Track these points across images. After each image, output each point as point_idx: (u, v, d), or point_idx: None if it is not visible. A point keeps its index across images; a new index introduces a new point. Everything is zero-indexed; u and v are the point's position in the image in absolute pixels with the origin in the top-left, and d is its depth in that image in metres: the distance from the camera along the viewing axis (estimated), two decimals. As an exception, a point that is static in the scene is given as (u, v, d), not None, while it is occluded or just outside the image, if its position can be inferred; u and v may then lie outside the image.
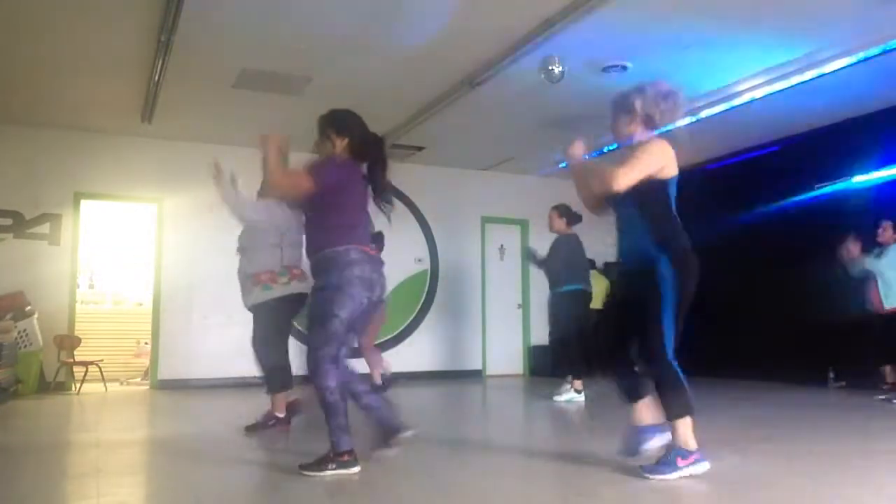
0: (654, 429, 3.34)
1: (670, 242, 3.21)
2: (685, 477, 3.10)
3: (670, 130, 3.33)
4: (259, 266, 4.63)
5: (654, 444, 3.33)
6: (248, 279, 4.68)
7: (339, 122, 3.58)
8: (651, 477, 3.12)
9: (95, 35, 5.65)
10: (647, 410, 3.35)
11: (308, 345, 3.39)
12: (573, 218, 6.55)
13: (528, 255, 7.03)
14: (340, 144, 3.53)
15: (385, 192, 3.60)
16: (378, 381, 7.14)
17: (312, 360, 3.34)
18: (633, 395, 3.38)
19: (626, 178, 3.15)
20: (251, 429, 4.70)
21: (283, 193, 3.46)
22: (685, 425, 3.14)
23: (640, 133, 3.34)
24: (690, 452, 3.13)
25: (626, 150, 3.34)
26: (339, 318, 3.32)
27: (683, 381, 3.15)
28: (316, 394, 3.38)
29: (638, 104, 3.32)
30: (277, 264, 4.63)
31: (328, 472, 3.31)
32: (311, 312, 3.47)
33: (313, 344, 3.35)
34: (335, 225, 3.42)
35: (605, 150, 3.85)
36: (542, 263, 6.77)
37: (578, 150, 3.45)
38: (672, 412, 3.17)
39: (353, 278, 3.35)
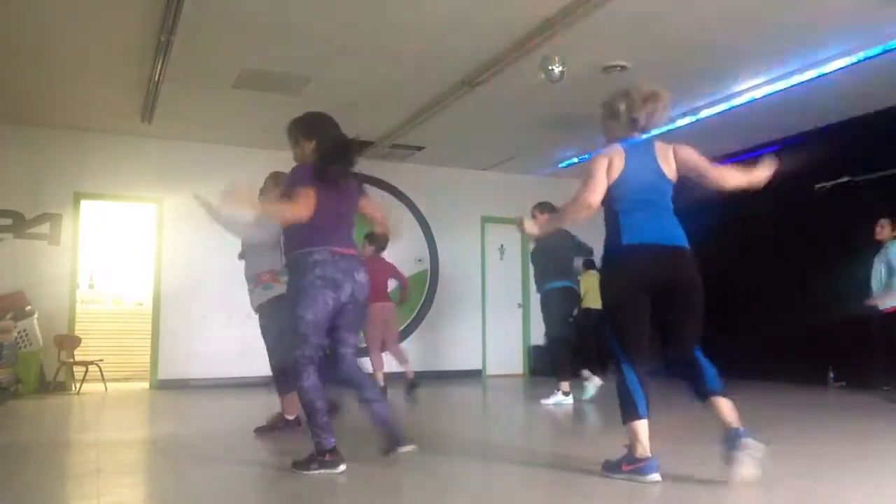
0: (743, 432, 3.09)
1: (605, 246, 3.35)
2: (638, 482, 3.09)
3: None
4: (261, 266, 4.67)
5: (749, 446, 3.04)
6: (251, 281, 4.73)
7: (306, 126, 3.63)
8: (604, 474, 3.23)
9: (95, 35, 5.65)
10: (725, 411, 3.14)
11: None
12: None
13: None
14: (308, 147, 3.57)
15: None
16: (381, 382, 7.16)
17: (291, 361, 3.43)
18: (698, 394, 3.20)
19: (592, 196, 3.24)
20: (261, 430, 4.73)
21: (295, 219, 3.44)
22: (632, 431, 3.16)
23: (627, 136, 3.38)
24: (637, 459, 3.13)
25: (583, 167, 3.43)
26: (305, 319, 3.36)
27: (630, 387, 3.17)
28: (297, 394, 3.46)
29: (622, 108, 3.36)
30: (279, 264, 4.65)
31: (312, 472, 3.34)
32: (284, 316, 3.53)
33: (290, 346, 3.44)
34: (304, 227, 3.41)
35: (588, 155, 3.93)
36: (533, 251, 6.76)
37: (531, 227, 3.62)
38: (622, 417, 3.22)
39: (315, 279, 3.37)
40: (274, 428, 4.74)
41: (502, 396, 7.73)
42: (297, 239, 3.46)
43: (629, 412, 3.17)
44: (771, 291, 8.20)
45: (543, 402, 6.25)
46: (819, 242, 7.24)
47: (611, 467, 3.24)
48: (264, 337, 4.74)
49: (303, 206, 3.34)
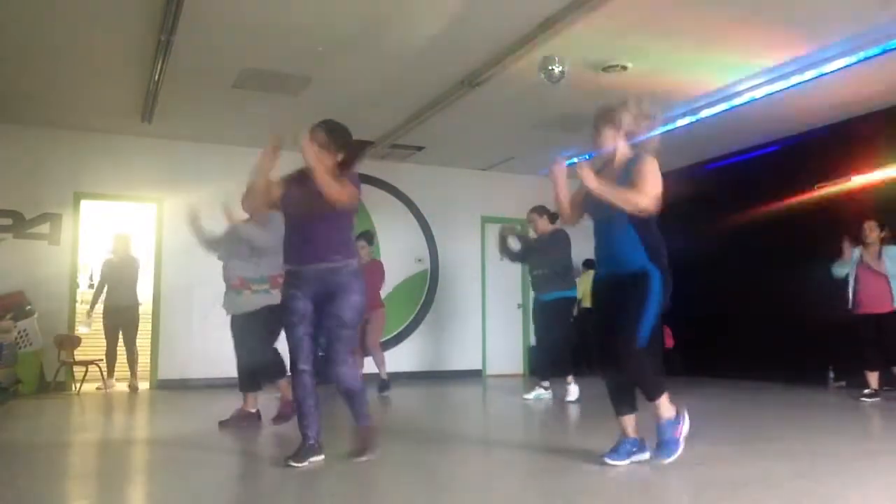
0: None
1: (659, 258, 3.37)
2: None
3: (644, 140, 3.48)
4: (276, 269, 4.77)
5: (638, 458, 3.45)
6: (264, 282, 4.87)
7: (344, 137, 3.60)
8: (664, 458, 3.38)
9: (95, 35, 5.65)
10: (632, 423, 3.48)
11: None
12: (553, 216, 6.60)
13: (508, 242, 6.76)
14: (335, 159, 3.56)
15: None
16: (384, 377, 7.27)
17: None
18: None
19: (650, 199, 3.28)
20: (277, 420, 4.96)
21: (339, 205, 3.47)
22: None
23: (621, 145, 3.47)
24: (678, 415, 3.41)
25: (627, 168, 3.41)
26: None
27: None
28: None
29: (626, 120, 3.44)
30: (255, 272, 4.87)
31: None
32: (349, 318, 3.53)
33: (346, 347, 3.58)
34: (350, 236, 3.67)
35: (588, 156, 3.92)
36: (525, 256, 6.81)
37: (588, 176, 3.35)
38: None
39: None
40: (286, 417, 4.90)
41: (504, 396, 7.72)
42: (351, 246, 3.65)
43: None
44: (771, 292, 8.19)
45: (568, 399, 6.41)
46: (819, 242, 7.23)
47: (671, 442, 3.37)
48: (257, 338, 4.80)
49: (349, 196, 3.48)
